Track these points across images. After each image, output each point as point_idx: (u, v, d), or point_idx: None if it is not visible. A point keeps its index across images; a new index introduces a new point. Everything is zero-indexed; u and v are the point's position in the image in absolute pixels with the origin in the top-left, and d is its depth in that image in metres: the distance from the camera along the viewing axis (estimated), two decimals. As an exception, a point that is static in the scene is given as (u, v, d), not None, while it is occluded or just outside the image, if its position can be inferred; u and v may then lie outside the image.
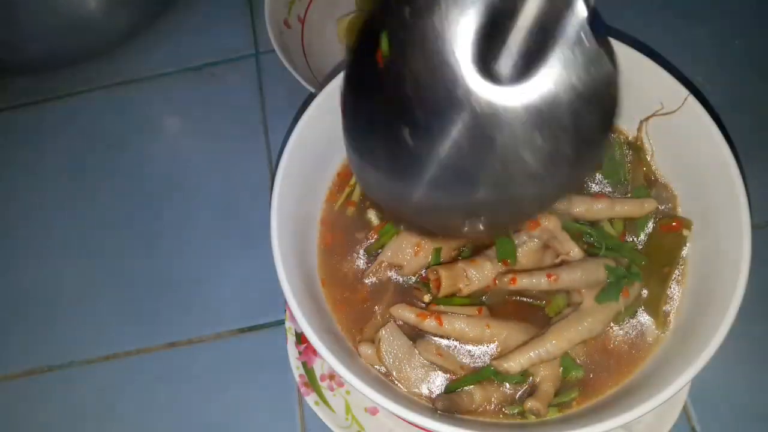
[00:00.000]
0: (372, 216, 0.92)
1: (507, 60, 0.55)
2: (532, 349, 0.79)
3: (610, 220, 0.89)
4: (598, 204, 0.88)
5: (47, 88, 1.44)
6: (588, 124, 0.58)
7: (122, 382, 1.14)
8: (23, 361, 1.17)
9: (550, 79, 0.56)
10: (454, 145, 0.60)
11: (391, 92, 0.62)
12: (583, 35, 0.54)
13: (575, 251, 0.85)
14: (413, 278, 0.89)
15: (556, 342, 0.79)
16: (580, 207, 0.88)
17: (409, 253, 0.88)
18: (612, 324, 0.84)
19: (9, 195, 1.34)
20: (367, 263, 0.90)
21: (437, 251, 0.87)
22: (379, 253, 0.90)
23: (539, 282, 0.82)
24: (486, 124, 0.58)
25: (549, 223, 0.85)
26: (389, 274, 0.89)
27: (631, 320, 0.84)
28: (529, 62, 0.55)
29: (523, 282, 0.82)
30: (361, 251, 0.92)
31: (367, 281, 0.89)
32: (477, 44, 0.56)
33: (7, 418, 1.14)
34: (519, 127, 0.58)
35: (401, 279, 0.89)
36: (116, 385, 1.13)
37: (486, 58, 0.56)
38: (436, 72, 0.57)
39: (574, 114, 0.57)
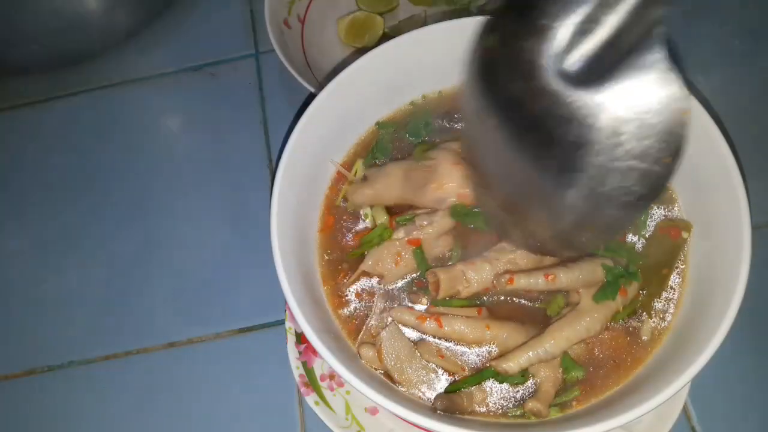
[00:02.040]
0: (366, 211, 0.92)
1: (577, 61, 0.60)
2: (530, 349, 0.79)
3: None
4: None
5: (47, 88, 1.44)
6: (648, 152, 0.60)
7: (122, 382, 1.14)
8: (23, 361, 1.17)
9: (618, 96, 0.59)
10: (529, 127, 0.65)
11: (498, 77, 0.68)
12: (658, 63, 0.58)
13: None
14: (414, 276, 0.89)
15: (554, 342, 0.79)
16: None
17: (389, 263, 0.88)
18: (611, 323, 0.84)
19: (9, 195, 1.34)
20: (354, 267, 0.91)
21: (419, 252, 0.87)
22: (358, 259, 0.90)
23: (537, 282, 0.82)
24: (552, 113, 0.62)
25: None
26: (371, 282, 0.89)
27: (630, 320, 0.84)
28: (598, 71, 0.59)
29: (521, 282, 0.82)
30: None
31: (351, 289, 0.89)
32: (560, 43, 0.60)
33: (7, 418, 1.14)
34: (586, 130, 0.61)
35: (399, 282, 0.89)
36: (116, 385, 1.13)
37: (562, 57, 0.60)
38: (523, 62, 0.62)
39: (636, 138, 0.60)
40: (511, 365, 0.79)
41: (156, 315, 1.18)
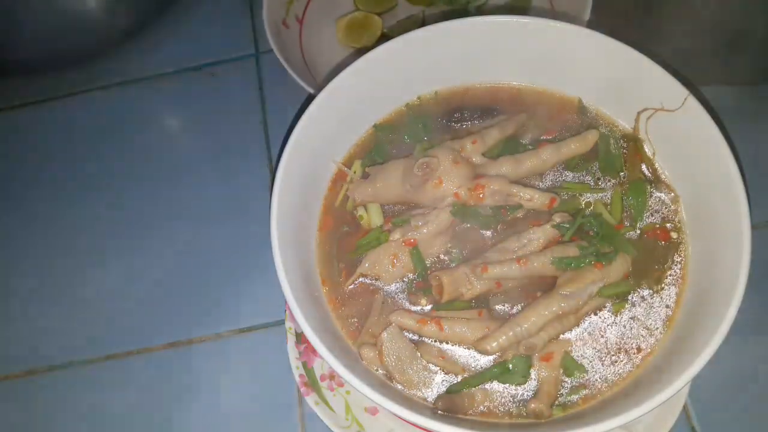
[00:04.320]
0: (362, 213, 0.92)
1: None
2: (509, 329, 0.79)
3: (607, 208, 0.89)
4: (544, 154, 0.90)
5: (47, 88, 1.44)
6: None
7: (122, 382, 1.14)
8: (23, 361, 1.17)
9: None
10: None
11: None
12: None
13: (537, 195, 0.87)
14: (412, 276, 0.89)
15: (535, 320, 0.79)
16: (530, 161, 0.90)
17: (386, 264, 0.88)
18: (616, 316, 0.84)
19: (10, 195, 1.34)
20: (354, 268, 0.90)
21: (416, 253, 0.87)
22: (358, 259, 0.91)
23: (510, 268, 0.82)
24: None
25: (495, 185, 0.87)
26: (371, 282, 0.89)
27: (630, 321, 0.84)
28: None
29: (495, 271, 0.82)
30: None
31: (350, 289, 0.89)
32: None
33: (7, 417, 1.14)
34: None
35: (398, 283, 0.89)
36: (116, 385, 1.14)
37: None
38: None
39: None
40: (493, 345, 0.79)
41: (156, 315, 1.18)
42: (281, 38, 1.30)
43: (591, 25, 1.18)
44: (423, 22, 1.36)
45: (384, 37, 1.35)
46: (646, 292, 0.85)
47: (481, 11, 1.36)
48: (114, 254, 1.25)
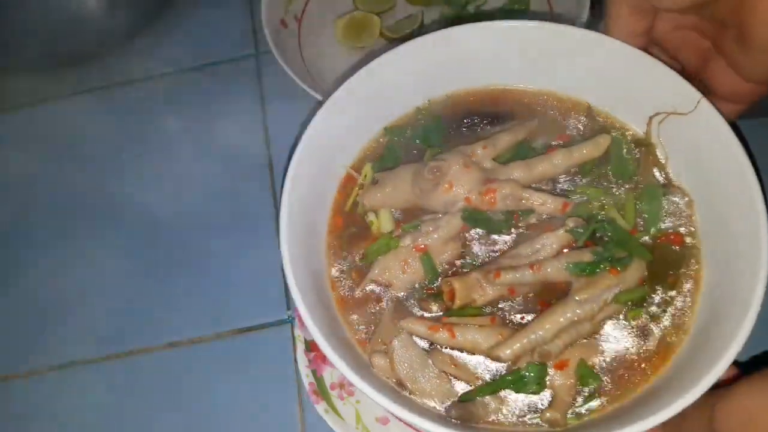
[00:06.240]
0: (372, 219, 0.92)
1: None
2: (524, 335, 0.78)
3: (621, 213, 0.88)
4: (556, 158, 0.89)
5: (47, 88, 1.44)
6: None
7: (123, 382, 1.13)
8: (23, 361, 1.17)
9: None
10: None
11: None
12: None
13: (550, 200, 0.86)
14: (423, 283, 0.88)
15: (549, 327, 0.78)
16: (541, 166, 0.89)
17: (397, 270, 0.87)
18: (630, 322, 0.83)
19: (9, 197, 1.34)
20: (364, 274, 0.89)
21: (426, 259, 0.86)
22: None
23: (524, 274, 0.81)
24: None
25: (506, 189, 0.86)
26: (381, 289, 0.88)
27: (646, 327, 0.83)
28: None
29: (508, 277, 0.81)
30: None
31: (360, 296, 0.88)
32: None
33: (7, 418, 1.14)
34: None
35: (408, 289, 0.88)
36: (116, 385, 1.13)
37: None
38: None
39: None
40: (507, 352, 0.77)
41: (156, 315, 1.18)
42: (280, 38, 1.29)
43: (588, 25, 1.18)
44: (422, 23, 1.36)
45: (383, 37, 1.35)
46: (661, 298, 0.84)
47: (479, 11, 1.36)
48: (113, 254, 1.25)
